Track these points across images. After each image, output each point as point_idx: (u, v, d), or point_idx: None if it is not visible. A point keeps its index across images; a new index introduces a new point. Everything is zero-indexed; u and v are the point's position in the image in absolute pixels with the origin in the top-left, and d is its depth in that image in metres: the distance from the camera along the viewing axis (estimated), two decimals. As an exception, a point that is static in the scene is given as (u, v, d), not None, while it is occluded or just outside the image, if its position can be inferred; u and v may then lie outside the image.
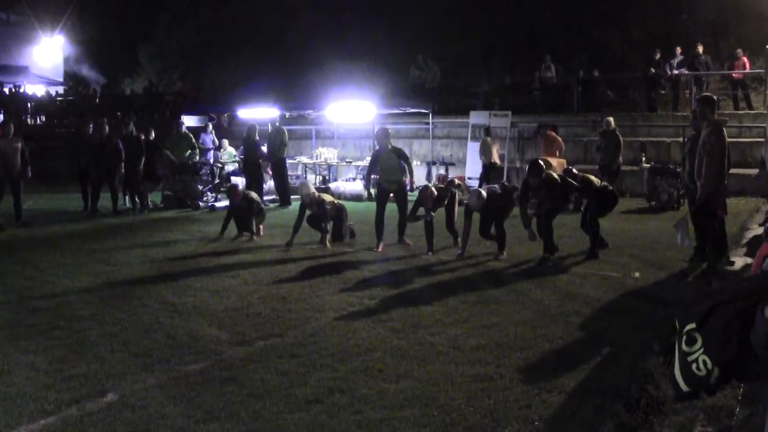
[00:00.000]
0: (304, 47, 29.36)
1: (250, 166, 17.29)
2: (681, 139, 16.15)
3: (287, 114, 20.24)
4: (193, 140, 17.96)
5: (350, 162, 20.17)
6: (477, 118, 19.13)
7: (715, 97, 9.62)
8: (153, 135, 17.47)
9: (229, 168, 19.53)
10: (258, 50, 31.08)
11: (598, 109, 20.36)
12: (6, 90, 33.08)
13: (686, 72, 20.07)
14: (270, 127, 18.21)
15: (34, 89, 34.21)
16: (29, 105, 31.84)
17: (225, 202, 16.28)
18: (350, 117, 18.70)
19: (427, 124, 19.81)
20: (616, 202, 10.87)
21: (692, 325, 2.18)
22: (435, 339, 6.39)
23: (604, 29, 25.43)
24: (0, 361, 5.88)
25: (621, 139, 15.75)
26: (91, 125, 16.73)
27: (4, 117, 24.79)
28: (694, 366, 2.17)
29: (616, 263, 9.61)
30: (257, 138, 17.48)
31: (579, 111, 20.83)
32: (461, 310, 7.36)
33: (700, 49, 20.19)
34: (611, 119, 15.98)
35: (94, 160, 15.80)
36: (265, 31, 31.37)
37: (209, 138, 20.08)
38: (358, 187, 17.61)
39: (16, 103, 31.44)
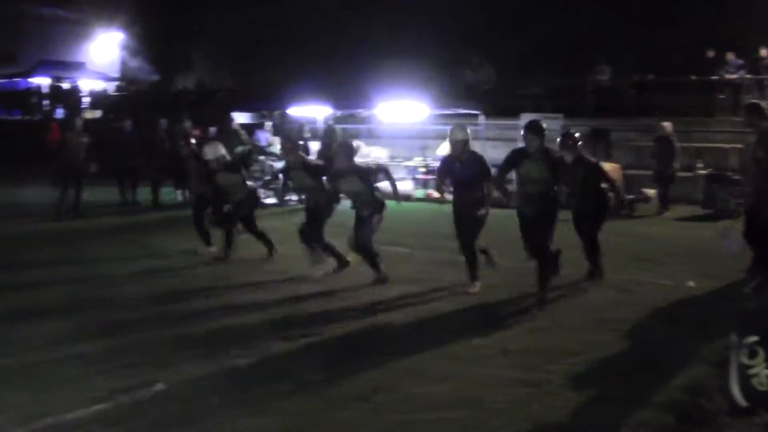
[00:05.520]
0: (356, 46, 29.40)
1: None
2: (740, 145, 15.79)
3: (339, 113, 20.31)
4: (244, 136, 18.11)
5: (400, 162, 20.16)
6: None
7: (763, 104, 9.23)
8: (212, 131, 17.75)
9: (280, 165, 19.61)
10: (310, 48, 31.20)
11: (653, 114, 20.02)
12: (64, 85, 33.73)
13: (747, 76, 19.63)
14: (322, 126, 18.33)
15: (91, 85, 34.83)
16: (86, 100, 32.45)
17: (273, 199, 16.40)
18: (401, 116, 18.69)
19: (478, 125, 19.67)
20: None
21: (755, 338, 2.11)
22: (483, 341, 6.34)
23: (658, 31, 24.96)
24: (54, 349, 6.00)
25: (676, 144, 15.46)
26: (129, 122, 17.01)
27: (70, 112, 25.37)
28: (755, 380, 2.09)
29: (670, 271, 9.39)
30: (307, 135, 17.60)
31: (633, 115, 20.51)
32: (510, 314, 7.30)
33: (764, 52, 19.72)
34: (666, 124, 15.68)
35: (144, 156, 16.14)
36: (317, 30, 31.50)
37: (264, 135, 20.19)
38: (406, 187, 17.65)
39: (73, 98, 32.08)
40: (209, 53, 37.08)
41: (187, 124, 17.16)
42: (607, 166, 15.41)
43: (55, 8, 37.61)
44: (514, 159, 8.12)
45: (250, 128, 19.53)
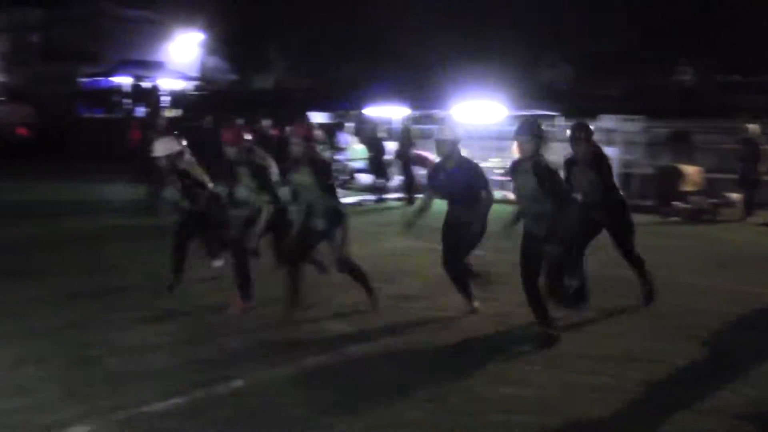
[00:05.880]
0: (433, 46, 29.38)
1: (376, 164, 17.61)
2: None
3: (415, 113, 20.36)
4: (320, 136, 18.30)
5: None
6: (607, 122, 18.63)
7: None
8: (288, 131, 17.96)
9: (357, 165, 19.76)
10: (387, 48, 31.32)
11: (738, 115, 19.44)
12: (144, 84, 34.56)
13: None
14: (397, 126, 18.42)
15: (171, 84, 35.58)
16: (166, 99, 33.20)
17: (352, 198, 16.53)
18: (477, 117, 18.62)
19: (556, 127, 19.45)
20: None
21: None
22: (557, 346, 6.27)
23: (743, 30, 24.23)
24: (134, 343, 6.16)
25: (763, 147, 14.97)
26: (209, 120, 17.33)
27: (151, 111, 26.03)
28: None
29: (752, 278, 9.08)
30: (382, 135, 17.70)
31: (716, 117, 19.96)
32: (584, 319, 7.18)
33: None
34: (752, 126, 15.21)
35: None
36: (394, 30, 31.59)
37: (344, 136, 20.32)
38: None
39: (153, 96, 32.88)
40: (286, 53, 37.55)
41: (266, 123, 17.40)
42: (690, 169, 15.18)
43: (136, 9, 38.63)
44: (511, 170, 6.61)
45: (329, 128, 19.70)
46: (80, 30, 38.32)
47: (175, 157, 8.03)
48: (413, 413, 4.81)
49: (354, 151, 19.81)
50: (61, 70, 35.92)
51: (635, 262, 7.45)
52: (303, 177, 6.75)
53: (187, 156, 8.28)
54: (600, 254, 7.86)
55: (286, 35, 37.06)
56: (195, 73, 38.70)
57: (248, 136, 7.45)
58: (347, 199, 15.96)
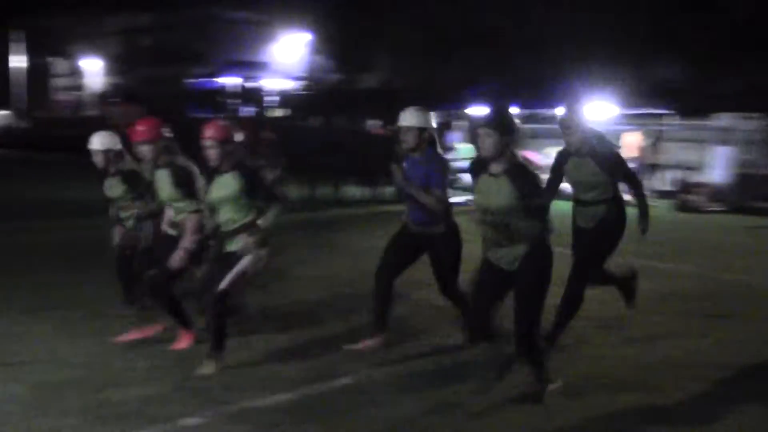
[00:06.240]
0: (541, 44, 28.94)
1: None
2: None
3: (524, 113, 20.15)
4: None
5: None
6: (723, 120, 17.98)
7: None
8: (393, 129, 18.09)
9: (462, 164, 19.65)
10: (493, 46, 31.02)
11: None
12: (249, 85, 35.31)
13: None
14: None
15: (276, 84, 36.14)
16: (272, 99, 33.88)
17: (459, 198, 16.41)
18: (587, 116, 18.28)
19: (668, 125, 18.91)
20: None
21: None
22: (669, 351, 6.04)
23: None
24: (243, 339, 6.18)
25: None
26: (316, 120, 17.55)
27: (256, 111, 26.62)
28: None
29: None
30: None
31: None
32: (701, 324, 6.89)
33: None
34: None
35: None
36: (500, 28, 31.28)
37: (452, 136, 20.23)
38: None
39: (257, 97, 33.63)
40: (393, 52, 37.65)
41: (373, 123, 17.53)
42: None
43: (242, 11, 39.52)
44: (474, 173, 5.20)
45: (438, 128, 19.69)
46: (189, 33, 39.49)
47: (114, 155, 6.58)
48: (516, 416, 4.73)
49: (459, 151, 19.70)
50: (170, 72, 37.09)
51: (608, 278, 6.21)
52: (224, 187, 5.44)
53: (129, 158, 6.80)
54: (718, 258, 7.55)
55: (392, 34, 37.16)
56: (301, 73, 39.33)
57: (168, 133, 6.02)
58: (453, 199, 15.84)
